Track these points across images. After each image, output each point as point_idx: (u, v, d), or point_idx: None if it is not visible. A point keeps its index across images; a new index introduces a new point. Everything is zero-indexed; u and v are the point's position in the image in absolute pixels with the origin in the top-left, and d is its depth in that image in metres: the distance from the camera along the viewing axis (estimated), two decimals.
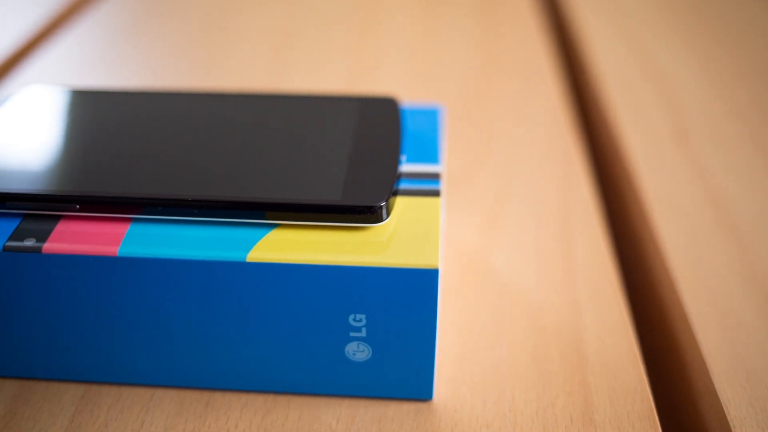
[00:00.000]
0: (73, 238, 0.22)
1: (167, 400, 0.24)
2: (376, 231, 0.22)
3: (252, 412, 0.23)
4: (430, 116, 0.28)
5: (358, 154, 0.24)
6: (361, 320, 0.22)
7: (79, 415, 0.23)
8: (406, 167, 0.25)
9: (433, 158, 0.25)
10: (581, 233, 0.31)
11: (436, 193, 0.24)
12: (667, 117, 0.38)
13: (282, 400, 0.24)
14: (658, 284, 0.29)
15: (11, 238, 0.22)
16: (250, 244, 0.22)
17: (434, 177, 0.24)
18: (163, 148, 0.25)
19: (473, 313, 0.27)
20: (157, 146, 0.25)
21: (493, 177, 0.34)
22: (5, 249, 0.22)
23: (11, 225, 0.23)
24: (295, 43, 0.47)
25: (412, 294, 0.21)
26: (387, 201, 0.22)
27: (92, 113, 0.27)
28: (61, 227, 0.23)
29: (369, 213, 0.22)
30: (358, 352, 0.23)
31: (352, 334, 0.22)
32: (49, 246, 0.22)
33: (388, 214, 0.22)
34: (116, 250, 0.22)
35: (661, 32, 0.47)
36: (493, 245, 0.30)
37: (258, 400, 0.24)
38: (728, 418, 0.23)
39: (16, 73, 0.44)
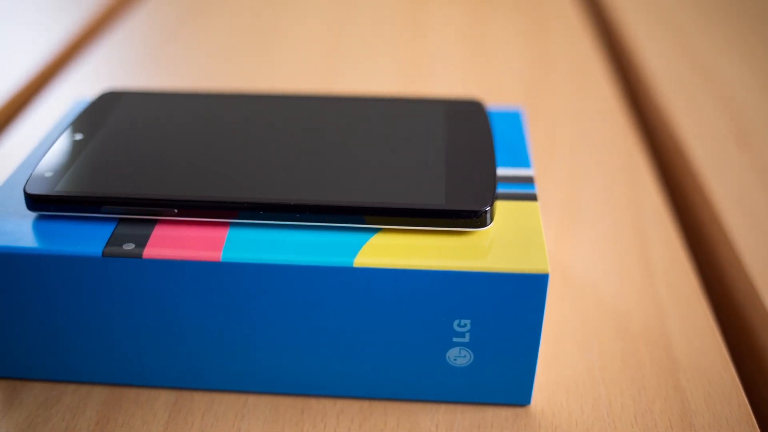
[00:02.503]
0: (173, 243, 0.22)
1: (261, 406, 0.24)
2: (478, 236, 0.22)
3: (349, 419, 0.23)
4: (513, 118, 0.27)
5: (453, 158, 0.24)
6: (465, 325, 0.22)
7: (173, 422, 0.23)
8: (499, 171, 0.25)
9: (524, 161, 0.25)
10: (656, 237, 0.30)
11: (532, 197, 0.24)
12: (725, 118, 0.38)
13: (378, 406, 0.24)
14: (737, 287, 0.29)
15: (109, 243, 0.22)
16: (354, 249, 0.21)
17: (528, 180, 0.24)
18: (256, 150, 0.24)
19: (558, 317, 0.27)
20: (250, 149, 0.24)
21: (560, 181, 0.34)
22: (105, 255, 0.22)
23: (107, 230, 0.22)
24: (343, 43, 0.47)
25: (520, 299, 0.21)
26: (492, 205, 0.22)
27: (177, 116, 0.26)
28: (159, 232, 0.22)
29: (474, 217, 0.22)
30: (459, 357, 0.22)
31: (455, 339, 0.22)
32: (150, 251, 0.22)
33: (491, 219, 0.22)
34: (219, 255, 0.21)
35: (706, 30, 0.47)
36: (569, 250, 0.30)
37: (354, 407, 0.23)
38: None
39: (61, 78, 0.44)
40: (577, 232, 0.31)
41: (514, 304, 0.21)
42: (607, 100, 0.41)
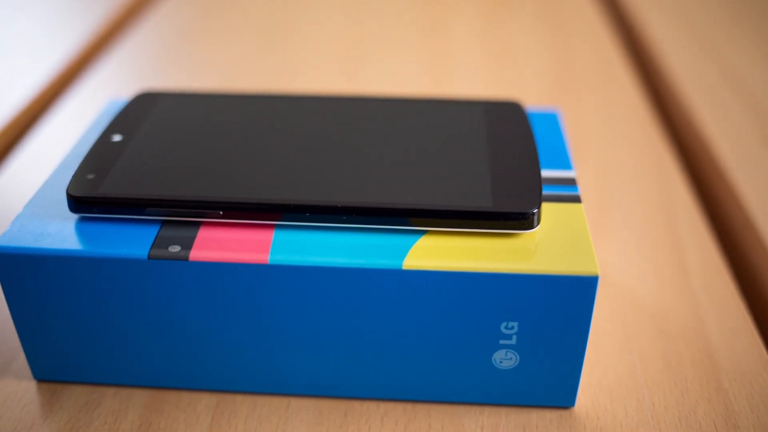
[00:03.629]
0: (220, 245, 0.22)
1: (304, 409, 0.23)
2: (524, 238, 0.22)
3: (393, 421, 0.23)
4: (551, 120, 0.27)
5: (496, 159, 0.24)
6: (513, 328, 0.22)
7: (217, 425, 0.23)
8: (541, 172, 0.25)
9: (565, 163, 0.25)
10: (688, 238, 0.30)
11: (576, 199, 0.23)
12: (751, 118, 0.38)
13: (421, 409, 0.23)
14: None
15: (155, 245, 0.22)
16: (402, 252, 0.21)
17: (570, 182, 0.24)
18: (298, 152, 0.24)
19: (596, 318, 0.27)
20: (292, 150, 0.24)
21: (589, 182, 0.34)
22: (151, 257, 0.21)
23: (151, 232, 0.22)
24: (363, 44, 0.47)
25: (569, 301, 0.21)
26: (539, 207, 0.22)
27: (216, 117, 0.26)
28: (204, 234, 0.22)
29: (522, 220, 0.22)
30: (505, 359, 0.22)
31: (501, 341, 0.22)
32: (196, 253, 0.21)
33: (538, 221, 0.22)
34: (266, 257, 0.21)
35: (729, 29, 0.47)
36: (603, 251, 0.30)
37: (397, 409, 0.23)
38: None
39: (83, 79, 0.44)
40: (609, 233, 0.31)
41: (562, 306, 0.21)
42: (632, 100, 0.41)
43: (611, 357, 0.25)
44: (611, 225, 0.31)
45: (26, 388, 0.24)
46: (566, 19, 0.51)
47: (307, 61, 0.45)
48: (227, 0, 0.54)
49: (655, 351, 0.25)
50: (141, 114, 0.26)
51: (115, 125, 0.26)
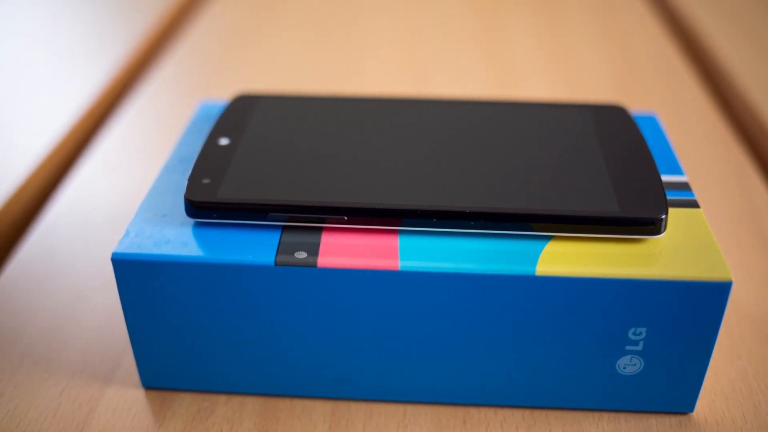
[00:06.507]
0: (346, 251, 0.21)
1: (422, 416, 0.23)
2: (650, 243, 0.22)
3: (513, 428, 0.23)
4: (651, 123, 0.27)
5: (613, 164, 0.24)
6: (640, 334, 0.22)
7: None
8: None
9: (675, 168, 0.25)
10: None
11: (694, 204, 0.23)
12: None
13: (540, 415, 0.23)
14: None
15: (280, 251, 0.21)
16: (533, 258, 0.21)
17: (685, 187, 0.24)
18: (413, 156, 0.24)
19: None
20: (406, 154, 0.24)
21: None
22: (278, 263, 0.21)
23: (272, 238, 0.22)
24: (421, 44, 0.47)
25: (699, 306, 0.21)
26: (667, 213, 0.22)
27: (322, 120, 0.26)
28: (327, 240, 0.22)
29: (651, 225, 0.21)
30: (629, 365, 0.22)
31: (628, 347, 0.22)
32: (324, 260, 0.21)
33: (665, 227, 0.22)
34: (397, 263, 0.21)
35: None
36: None
37: (516, 416, 0.23)
38: None
39: (142, 81, 0.44)
40: None
41: (692, 312, 0.21)
42: (697, 101, 0.40)
43: (720, 362, 0.25)
44: None
45: (134, 395, 0.24)
46: (620, 18, 0.50)
47: (363, 61, 0.45)
48: (273, 1, 0.53)
49: (764, 355, 0.25)
50: (244, 117, 0.26)
51: (219, 128, 0.25)
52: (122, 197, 0.33)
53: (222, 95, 0.40)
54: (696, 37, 0.48)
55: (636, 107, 0.40)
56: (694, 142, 0.37)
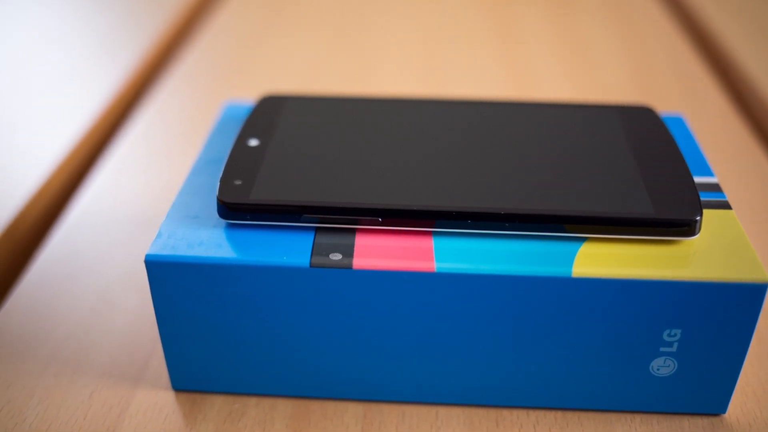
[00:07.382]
0: (381, 252, 0.21)
1: (454, 418, 0.23)
2: (684, 244, 0.22)
3: (546, 429, 0.23)
4: (678, 125, 0.27)
5: (645, 166, 0.24)
6: (675, 335, 0.22)
7: None
8: None
9: (704, 169, 0.25)
10: None
11: (726, 205, 0.23)
12: None
13: (572, 417, 0.23)
14: None
15: (314, 253, 0.21)
16: (569, 259, 0.21)
17: (715, 189, 0.24)
18: (443, 156, 0.24)
19: None
20: (435, 155, 0.24)
21: None
22: (312, 265, 0.21)
23: (306, 239, 0.22)
24: (437, 47, 0.47)
25: (735, 308, 0.21)
26: (701, 214, 0.22)
27: (352, 121, 0.26)
28: (361, 241, 0.22)
29: (686, 227, 0.21)
30: (663, 367, 0.22)
31: (662, 349, 0.22)
32: (360, 261, 0.21)
33: (700, 228, 0.22)
34: (433, 265, 0.21)
35: None
36: None
37: (548, 417, 0.23)
38: None
39: (157, 82, 0.43)
40: None
41: (727, 313, 0.21)
42: (716, 102, 0.40)
43: (750, 364, 0.25)
44: None
45: (164, 397, 0.24)
46: (635, 19, 0.50)
47: (380, 62, 0.44)
48: (289, 2, 0.53)
49: None
50: (272, 118, 0.26)
51: (248, 130, 0.25)
52: (143, 197, 0.33)
53: (241, 95, 0.40)
54: (712, 37, 0.48)
55: (656, 108, 0.40)
56: (714, 143, 0.37)
